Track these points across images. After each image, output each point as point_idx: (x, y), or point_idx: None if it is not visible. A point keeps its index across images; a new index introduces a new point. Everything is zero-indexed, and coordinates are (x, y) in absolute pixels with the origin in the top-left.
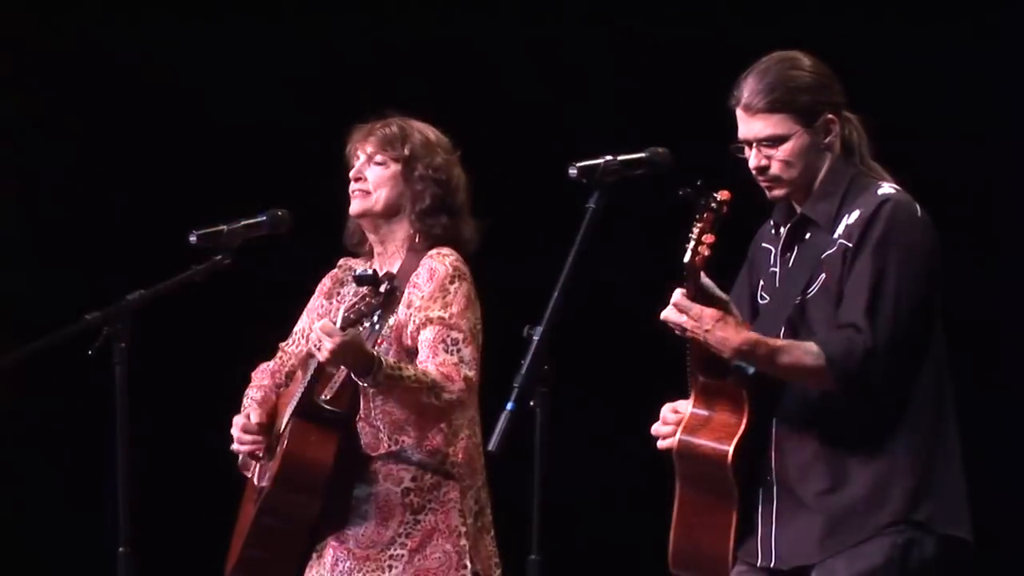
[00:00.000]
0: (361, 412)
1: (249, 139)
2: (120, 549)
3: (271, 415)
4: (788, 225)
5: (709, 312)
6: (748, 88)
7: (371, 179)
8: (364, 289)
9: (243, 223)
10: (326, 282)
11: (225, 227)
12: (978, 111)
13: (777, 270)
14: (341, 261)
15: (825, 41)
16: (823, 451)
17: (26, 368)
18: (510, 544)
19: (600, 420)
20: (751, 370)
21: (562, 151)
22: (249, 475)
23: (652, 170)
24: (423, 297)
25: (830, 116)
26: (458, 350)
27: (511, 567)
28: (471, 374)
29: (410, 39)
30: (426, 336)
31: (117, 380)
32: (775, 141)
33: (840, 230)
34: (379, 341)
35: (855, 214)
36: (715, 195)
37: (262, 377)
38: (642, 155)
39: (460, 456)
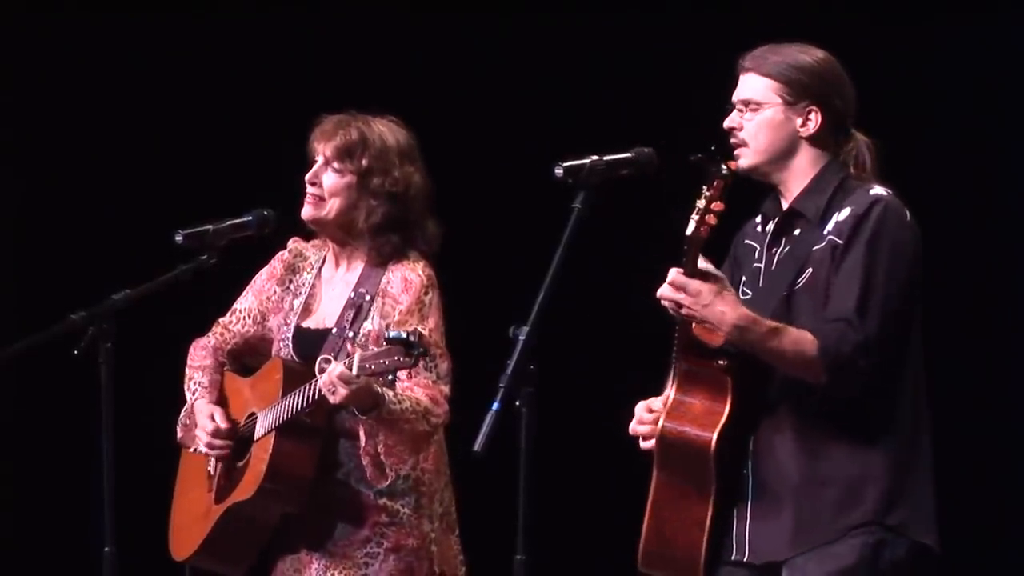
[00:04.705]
0: (363, 447)
1: (235, 138)
2: (105, 549)
3: (222, 403)
4: (776, 219)
5: (708, 286)
6: (755, 52)
7: (326, 185)
8: (395, 348)
9: (229, 223)
10: (276, 266)
11: (211, 227)
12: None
13: (762, 265)
14: (291, 244)
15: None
16: (801, 449)
17: (11, 368)
18: (496, 544)
19: (586, 420)
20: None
21: (548, 151)
22: (191, 450)
23: (638, 170)
24: (401, 311)
25: (813, 106)
26: (436, 366)
27: (497, 567)
28: (447, 389)
29: (394, 36)
30: None
31: (102, 380)
32: (753, 105)
33: (830, 227)
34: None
35: (846, 211)
36: (726, 164)
37: (203, 356)
38: (628, 155)
39: (429, 462)
